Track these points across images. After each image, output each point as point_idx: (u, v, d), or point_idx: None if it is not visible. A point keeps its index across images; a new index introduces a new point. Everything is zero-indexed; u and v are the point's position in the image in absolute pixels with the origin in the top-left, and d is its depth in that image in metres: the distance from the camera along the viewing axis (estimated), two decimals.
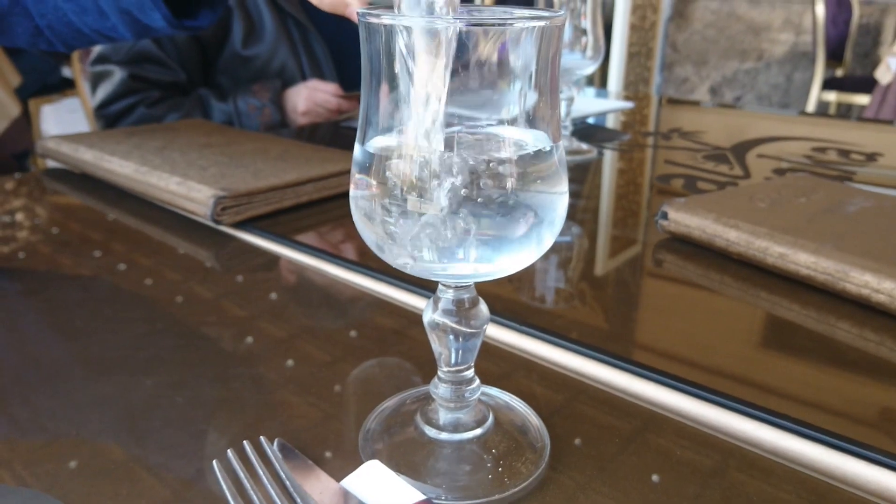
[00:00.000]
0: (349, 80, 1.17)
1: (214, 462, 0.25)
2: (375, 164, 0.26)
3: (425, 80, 0.25)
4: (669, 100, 1.47)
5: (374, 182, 0.26)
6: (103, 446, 0.31)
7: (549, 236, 0.27)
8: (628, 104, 1.15)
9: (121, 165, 0.63)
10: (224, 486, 0.25)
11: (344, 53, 1.23)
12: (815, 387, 0.37)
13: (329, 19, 1.06)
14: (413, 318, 0.43)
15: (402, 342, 0.40)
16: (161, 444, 0.31)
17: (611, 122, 1.07)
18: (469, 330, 0.29)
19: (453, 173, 0.25)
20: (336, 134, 0.95)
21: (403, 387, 0.35)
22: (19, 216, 0.63)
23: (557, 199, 0.27)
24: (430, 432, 0.31)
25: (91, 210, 0.63)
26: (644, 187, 0.74)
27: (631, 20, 3.44)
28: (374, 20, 0.25)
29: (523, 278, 0.49)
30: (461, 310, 0.29)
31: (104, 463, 0.30)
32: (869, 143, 0.92)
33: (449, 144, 0.25)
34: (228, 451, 0.26)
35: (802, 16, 3.31)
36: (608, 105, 1.15)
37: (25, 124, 2.65)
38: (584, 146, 0.81)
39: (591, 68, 0.77)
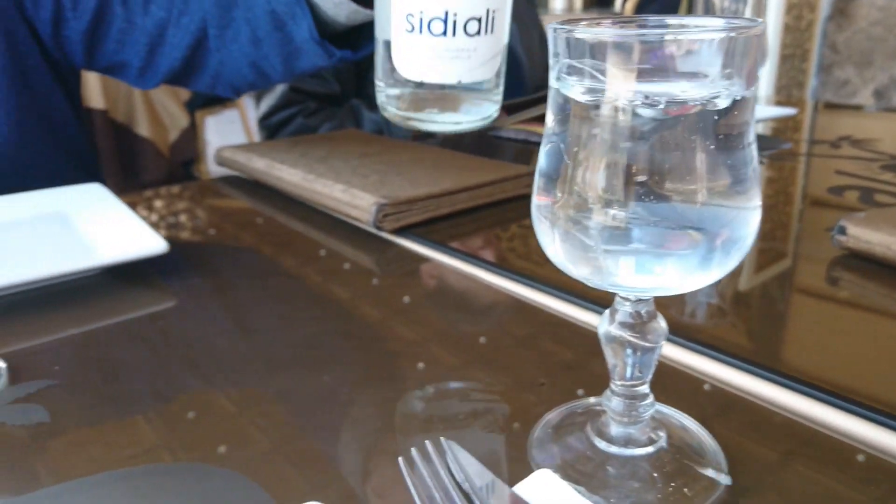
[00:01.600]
0: None
1: (400, 459, 0.27)
2: (564, 174, 0.26)
3: (616, 91, 0.25)
4: (827, 104, 1.36)
5: (560, 192, 0.26)
6: (289, 436, 0.33)
7: (738, 253, 0.26)
8: (790, 111, 1.08)
9: (289, 174, 0.67)
10: (410, 483, 0.26)
11: None
12: None
13: None
14: (582, 334, 0.43)
15: (566, 352, 0.40)
16: (341, 438, 0.33)
17: (760, 129, 1.01)
18: (646, 344, 0.29)
19: (646, 186, 0.25)
20: (482, 143, 0.97)
21: (558, 396, 0.35)
22: (201, 217, 0.69)
23: (750, 215, 0.26)
24: (601, 445, 0.31)
25: (259, 214, 0.68)
26: (812, 199, 0.69)
27: (785, 20, 3.22)
28: (580, 35, 0.25)
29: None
30: (638, 323, 0.29)
31: (291, 451, 0.32)
32: None
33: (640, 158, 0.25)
34: (412, 449, 0.27)
35: None
36: (769, 112, 1.09)
37: (192, 135, 2.90)
38: None
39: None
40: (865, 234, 0.49)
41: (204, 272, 0.54)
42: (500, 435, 0.33)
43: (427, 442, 0.28)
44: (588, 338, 0.42)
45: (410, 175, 0.65)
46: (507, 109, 1.10)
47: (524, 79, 1.33)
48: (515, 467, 0.31)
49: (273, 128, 1.17)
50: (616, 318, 0.29)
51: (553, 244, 0.27)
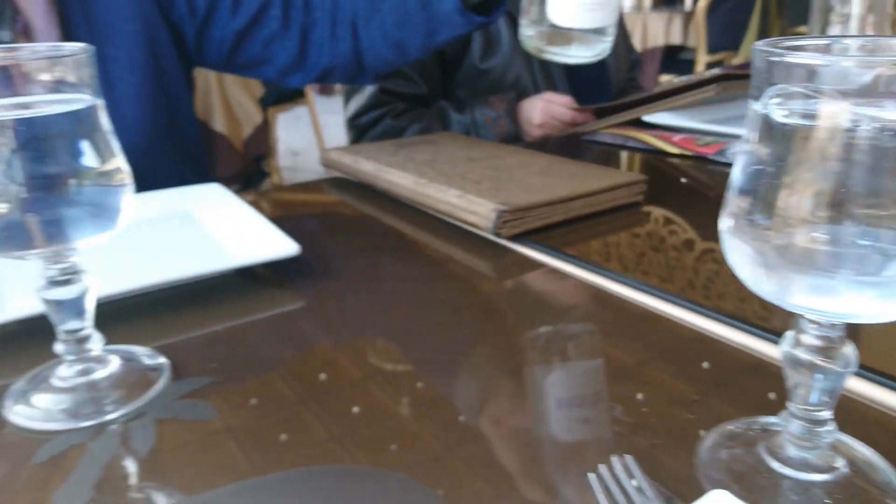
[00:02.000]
0: (582, 93, 1.18)
1: (590, 475, 0.27)
2: (765, 194, 0.26)
3: (828, 114, 0.25)
4: None
5: (760, 212, 0.26)
6: (460, 440, 0.34)
7: None
8: None
9: (400, 177, 0.69)
10: (603, 501, 0.26)
11: (577, 66, 1.24)
12: None
13: None
14: (692, 332, 0.43)
15: (686, 356, 0.40)
16: (502, 448, 0.33)
17: None
18: (835, 369, 0.28)
19: (852, 210, 0.25)
20: (577, 147, 0.96)
21: (712, 415, 0.35)
22: (312, 218, 0.71)
23: None
24: (775, 465, 0.31)
25: (368, 216, 0.69)
26: None
27: None
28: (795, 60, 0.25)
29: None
30: (828, 347, 0.28)
31: (467, 455, 0.33)
32: None
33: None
34: (600, 466, 0.28)
35: None
36: None
37: (265, 130, 2.97)
38: None
39: None
40: None
41: (328, 274, 0.55)
42: (665, 452, 0.33)
43: (615, 458, 0.28)
44: (727, 353, 0.42)
45: (523, 181, 0.65)
46: (597, 113, 1.09)
47: (610, 79, 1.32)
48: (683, 487, 0.31)
49: (361, 128, 1.19)
50: (802, 340, 0.29)
51: (747, 262, 0.27)
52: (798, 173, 0.25)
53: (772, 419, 0.33)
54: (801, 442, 0.30)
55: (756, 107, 0.27)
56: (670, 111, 0.95)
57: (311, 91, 3.28)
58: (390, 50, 0.76)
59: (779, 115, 0.26)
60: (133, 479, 0.32)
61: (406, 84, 1.18)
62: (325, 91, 5.23)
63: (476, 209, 0.59)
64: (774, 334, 0.42)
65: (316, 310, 0.50)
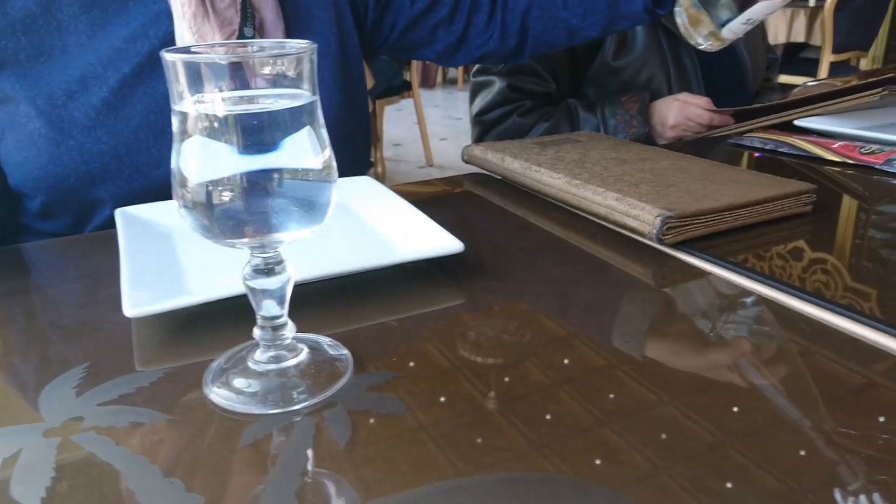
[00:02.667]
0: (717, 94, 1.13)
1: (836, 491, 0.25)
2: None
3: None
4: None
5: None
6: (669, 458, 0.33)
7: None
8: None
9: (551, 177, 0.68)
10: None
11: (713, 67, 1.19)
12: None
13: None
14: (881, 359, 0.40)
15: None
16: (707, 466, 0.32)
17: None
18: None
19: None
20: (721, 150, 0.92)
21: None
22: (462, 216, 0.71)
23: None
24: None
25: (515, 214, 0.68)
26: None
27: None
28: None
29: None
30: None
31: (675, 474, 0.31)
32: None
33: None
34: (836, 491, 0.26)
35: None
36: None
37: (373, 121, 3.03)
38: None
39: None
40: None
41: (489, 272, 0.55)
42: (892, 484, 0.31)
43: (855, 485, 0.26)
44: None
45: (684, 186, 0.62)
46: (736, 116, 1.04)
47: (747, 80, 1.26)
48: None
49: (488, 124, 1.19)
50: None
51: None
52: None
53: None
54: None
55: None
56: (825, 116, 0.90)
57: (416, 85, 3.32)
58: (561, 37, 0.82)
59: None
60: (337, 469, 0.33)
61: (536, 81, 1.17)
62: (427, 84, 5.29)
63: (638, 214, 0.57)
64: None
65: (480, 308, 0.50)
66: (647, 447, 0.34)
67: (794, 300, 0.49)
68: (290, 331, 0.40)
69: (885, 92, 0.84)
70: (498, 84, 1.17)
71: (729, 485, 0.31)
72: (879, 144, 0.80)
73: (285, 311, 0.39)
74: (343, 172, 0.70)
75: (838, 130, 0.85)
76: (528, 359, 0.42)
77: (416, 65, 3.44)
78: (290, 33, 0.73)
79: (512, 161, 0.74)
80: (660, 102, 1.11)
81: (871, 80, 0.85)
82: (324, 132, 0.36)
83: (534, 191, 0.71)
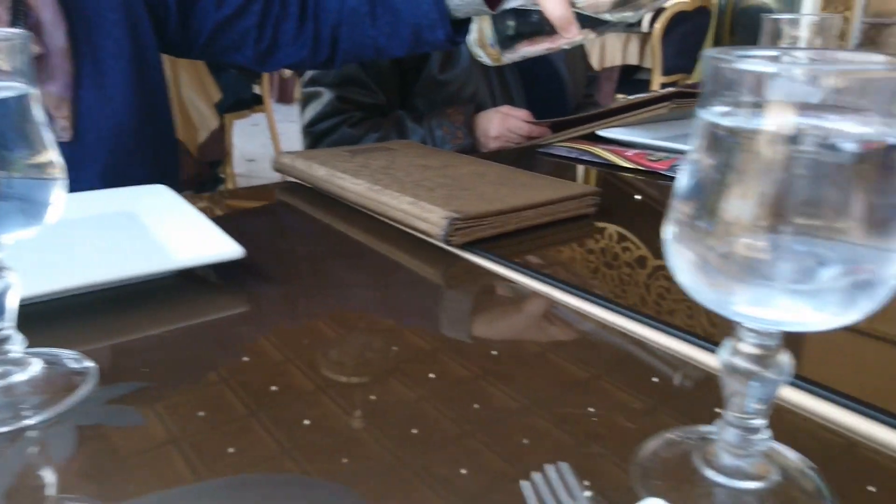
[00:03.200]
0: (538, 107, 1.19)
1: (523, 483, 0.27)
2: (708, 201, 0.26)
3: (772, 124, 0.25)
4: None
5: (703, 219, 0.26)
6: (384, 450, 0.33)
7: (880, 296, 0.26)
8: None
9: (353, 183, 0.68)
10: None
11: (535, 82, 1.25)
12: None
13: None
14: (642, 346, 0.43)
15: (635, 370, 0.40)
16: (447, 457, 0.33)
17: None
18: (770, 376, 0.28)
19: (793, 220, 0.25)
20: (532, 159, 0.97)
21: (652, 422, 0.35)
22: (263, 223, 0.69)
23: (891, 258, 0.26)
24: (709, 473, 0.30)
25: (320, 222, 0.68)
26: None
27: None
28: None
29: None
30: (764, 355, 0.28)
31: (417, 467, 0.32)
32: None
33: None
34: (534, 474, 0.27)
35: None
36: None
37: (221, 136, 2.91)
38: None
39: None
40: None
41: (275, 279, 0.54)
42: (607, 461, 0.33)
43: (549, 467, 0.27)
44: (677, 366, 0.42)
45: (477, 190, 0.64)
46: (553, 127, 1.10)
47: (566, 94, 1.33)
48: (622, 495, 0.30)
49: (318, 135, 1.17)
50: (740, 348, 0.29)
51: (688, 269, 0.27)
52: (740, 181, 0.25)
53: (709, 428, 0.33)
54: (735, 450, 0.30)
55: (703, 114, 0.27)
56: (624, 127, 0.97)
57: (269, 99, 3.25)
58: (370, 52, 0.84)
59: (724, 122, 0.26)
60: (49, 488, 0.30)
61: (364, 93, 1.17)
62: (284, 99, 5.18)
63: (428, 216, 0.59)
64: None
65: (262, 316, 0.49)
66: (390, 440, 0.34)
67: (567, 295, 0.51)
68: (16, 344, 0.36)
69: (673, 106, 0.91)
70: (327, 95, 1.16)
71: (463, 471, 0.32)
72: (665, 152, 0.87)
73: (9, 322, 0.36)
74: (148, 180, 0.68)
75: (632, 140, 0.92)
76: (294, 363, 0.42)
77: (269, 79, 3.36)
78: (75, 33, 0.69)
79: (318, 168, 0.73)
80: (483, 115, 1.15)
81: (660, 94, 0.93)
82: (44, 130, 0.34)
83: (339, 197, 0.71)
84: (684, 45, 3.48)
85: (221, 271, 0.53)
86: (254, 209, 0.76)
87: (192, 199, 0.73)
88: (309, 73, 1.20)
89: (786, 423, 0.36)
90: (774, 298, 0.26)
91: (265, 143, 3.93)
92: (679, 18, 3.42)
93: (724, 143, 0.26)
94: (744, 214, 0.25)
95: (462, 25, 0.80)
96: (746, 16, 3.93)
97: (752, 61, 0.24)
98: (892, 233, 0.25)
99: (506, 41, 0.78)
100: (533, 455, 0.32)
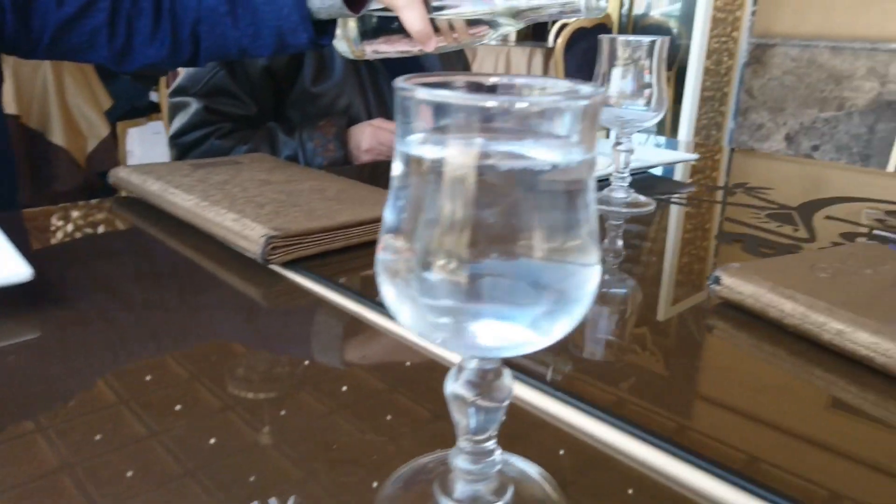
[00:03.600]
0: None
1: None
2: (406, 229, 0.26)
3: (454, 150, 0.25)
4: (742, 150, 1.43)
5: (401, 247, 0.26)
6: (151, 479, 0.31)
7: (579, 310, 0.27)
8: (692, 156, 1.13)
9: (183, 199, 0.65)
10: None
11: None
12: (871, 480, 0.35)
13: (398, 61, 1.08)
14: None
15: (432, 398, 0.40)
16: (185, 493, 0.31)
17: (680, 173, 1.04)
18: (490, 404, 0.29)
19: (485, 243, 0.25)
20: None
21: (419, 449, 0.35)
22: (86, 239, 0.66)
23: (588, 272, 0.26)
24: (444, 503, 0.30)
25: (150, 238, 0.65)
26: (701, 245, 0.72)
27: (706, 64, 3.39)
28: (406, 93, 0.25)
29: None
30: (484, 382, 0.29)
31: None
32: None
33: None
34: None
35: (889, 65, 3.18)
36: (670, 156, 1.13)
37: (113, 145, 2.79)
38: (642, 198, 0.79)
39: (653, 121, 0.76)
40: (739, 286, 0.51)
41: (72, 302, 0.51)
42: (351, 490, 0.32)
43: (272, 500, 0.27)
44: None
45: (308, 206, 0.63)
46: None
47: None
48: None
49: (185, 147, 1.14)
50: (462, 376, 0.29)
51: (395, 298, 0.27)
52: (431, 207, 0.25)
53: (443, 454, 0.33)
54: (468, 476, 0.30)
55: (399, 145, 0.27)
56: None
57: (166, 107, 3.14)
58: (234, 53, 0.82)
59: (417, 150, 0.26)
60: None
61: (234, 103, 1.14)
62: (171, 112, 5.01)
63: (249, 234, 0.57)
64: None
65: (55, 340, 0.46)
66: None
67: (377, 316, 0.51)
68: None
69: None
70: (194, 105, 1.13)
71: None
72: None
73: None
74: None
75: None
76: (93, 386, 0.39)
77: (166, 85, 3.24)
78: None
79: (153, 183, 0.70)
80: (355, 128, 1.14)
81: None
82: None
83: (171, 214, 0.68)
84: (585, 59, 3.59)
85: (20, 295, 0.50)
86: (89, 226, 0.72)
87: (29, 212, 0.69)
88: (176, 82, 1.16)
89: (535, 434, 0.36)
90: (477, 323, 0.26)
91: (165, 151, 3.80)
92: (580, 34, 3.53)
93: (418, 172, 0.26)
94: (441, 242, 0.25)
95: (326, 27, 0.79)
96: (646, 34, 4.10)
97: (431, 90, 0.25)
98: (583, 250, 0.26)
99: (368, 35, 0.80)
100: (274, 481, 0.32)
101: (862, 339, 0.44)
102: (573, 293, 0.26)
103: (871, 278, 0.52)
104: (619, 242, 0.69)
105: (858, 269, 0.54)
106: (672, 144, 1.52)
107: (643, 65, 0.73)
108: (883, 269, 0.54)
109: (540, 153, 0.25)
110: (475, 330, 0.26)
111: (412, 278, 0.26)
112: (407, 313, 0.27)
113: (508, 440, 0.32)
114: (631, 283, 0.59)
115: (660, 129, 3.17)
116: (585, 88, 0.26)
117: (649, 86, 0.74)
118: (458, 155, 0.25)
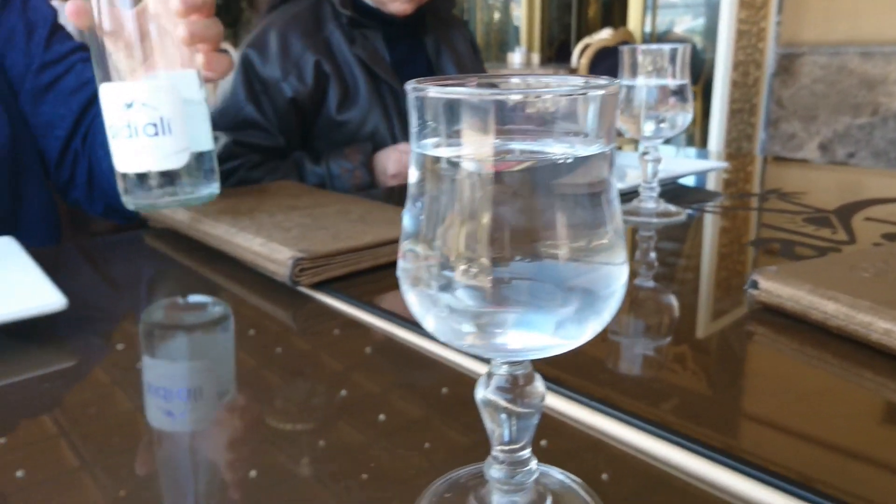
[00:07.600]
0: None
1: None
2: (425, 234, 0.26)
3: (470, 150, 0.24)
4: (775, 158, 1.40)
5: (421, 252, 0.26)
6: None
7: (608, 310, 0.26)
8: (721, 164, 1.11)
9: (212, 226, 0.66)
10: None
11: None
12: None
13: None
14: None
15: (467, 412, 0.39)
16: None
17: (712, 183, 1.03)
18: (523, 410, 0.28)
19: (506, 244, 0.24)
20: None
21: (458, 463, 0.34)
22: (121, 271, 0.67)
23: (615, 272, 0.26)
24: None
25: (182, 267, 0.66)
26: (736, 252, 0.70)
27: (732, 76, 3.36)
28: (420, 94, 0.25)
29: (591, 349, 0.47)
30: (515, 387, 0.28)
31: None
32: None
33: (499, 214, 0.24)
34: None
35: None
36: (700, 165, 1.11)
37: None
38: (672, 208, 0.78)
39: (677, 131, 0.75)
40: (777, 289, 0.50)
41: (106, 330, 0.52)
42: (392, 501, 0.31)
43: None
44: None
45: (335, 228, 0.64)
46: None
47: None
48: None
49: None
50: (492, 382, 0.28)
51: (419, 304, 0.26)
52: (456, 211, 0.25)
53: (479, 467, 0.32)
54: (504, 486, 0.29)
55: (415, 147, 0.26)
56: None
57: None
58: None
59: (432, 152, 0.25)
60: None
61: (262, 136, 1.16)
62: None
63: (276, 257, 0.57)
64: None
65: (87, 369, 0.46)
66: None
67: (409, 333, 0.50)
68: None
69: None
70: (223, 140, 1.15)
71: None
72: None
73: None
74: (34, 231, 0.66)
75: None
76: (131, 417, 0.39)
77: None
78: None
79: (183, 213, 0.71)
80: (381, 153, 1.15)
81: None
82: None
83: (203, 242, 0.69)
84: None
85: (55, 324, 0.51)
86: (123, 256, 0.73)
87: (53, 249, 0.70)
88: None
89: (570, 443, 0.35)
90: (504, 326, 0.25)
91: None
92: (603, 54, 3.53)
93: (430, 173, 0.25)
94: (463, 245, 0.25)
95: None
96: None
97: (442, 88, 0.24)
98: (610, 249, 0.25)
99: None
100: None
101: None
102: (601, 293, 0.25)
103: None
104: (652, 254, 0.68)
105: None
106: (702, 155, 1.50)
107: (666, 72, 0.72)
108: None
109: (558, 148, 0.25)
110: (502, 334, 0.25)
111: (434, 285, 0.25)
112: (431, 320, 0.26)
113: (546, 454, 0.31)
114: (659, 292, 0.58)
115: (689, 143, 3.14)
116: (601, 80, 0.25)
117: (673, 93, 0.73)
118: (475, 153, 0.24)
